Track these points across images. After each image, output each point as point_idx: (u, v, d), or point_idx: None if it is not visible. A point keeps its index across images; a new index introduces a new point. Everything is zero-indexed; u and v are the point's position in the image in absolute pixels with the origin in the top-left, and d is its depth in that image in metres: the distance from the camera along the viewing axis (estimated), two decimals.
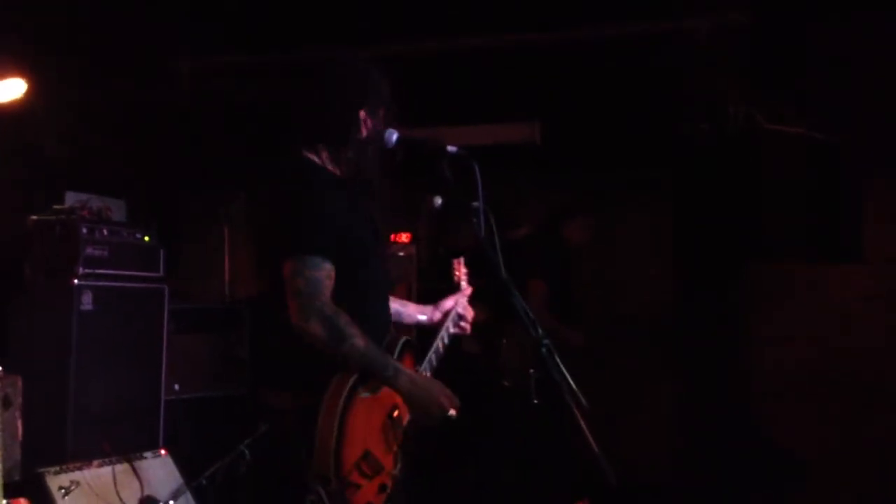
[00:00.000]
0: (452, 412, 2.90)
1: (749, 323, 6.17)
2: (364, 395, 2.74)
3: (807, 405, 5.93)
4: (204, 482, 4.52)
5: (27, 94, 5.46)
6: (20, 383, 4.37)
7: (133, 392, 5.12)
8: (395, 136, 2.98)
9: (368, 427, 2.75)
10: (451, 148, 2.90)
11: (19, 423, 4.36)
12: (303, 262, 2.69)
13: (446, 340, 3.27)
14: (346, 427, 2.65)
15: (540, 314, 4.49)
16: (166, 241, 5.56)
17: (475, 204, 4.69)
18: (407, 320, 3.38)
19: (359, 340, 2.71)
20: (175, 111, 6.46)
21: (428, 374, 3.08)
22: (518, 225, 6.10)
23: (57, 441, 4.72)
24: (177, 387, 5.42)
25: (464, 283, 3.46)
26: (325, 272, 2.71)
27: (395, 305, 3.33)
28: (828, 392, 5.90)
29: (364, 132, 2.93)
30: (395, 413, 2.86)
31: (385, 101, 2.99)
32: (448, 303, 3.39)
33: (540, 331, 4.02)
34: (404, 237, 6.50)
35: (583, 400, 4.19)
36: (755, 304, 6.16)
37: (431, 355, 3.14)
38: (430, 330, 3.31)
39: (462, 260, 3.50)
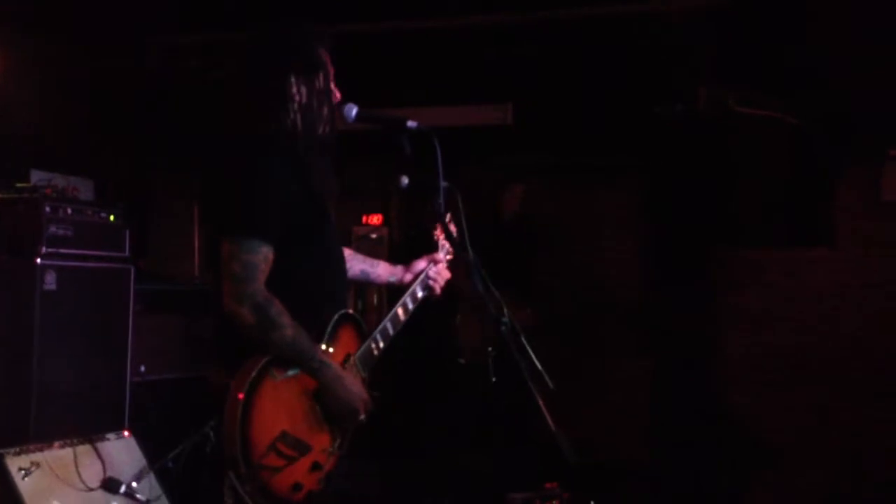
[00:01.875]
0: (362, 417, 2.84)
1: (720, 308, 6.16)
2: (278, 375, 2.66)
3: (776, 390, 5.94)
4: (169, 464, 4.48)
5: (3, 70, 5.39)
6: None
7: (97, 373, 5.03)
8: (354, 111, 2.91)
9: (283, 407, 2.67)
10: (411, 123, 2.84)
11: None
12: (239, 246, 2.62)
13: (410, 305, 3.19)
14: (253, 409, 2.57)
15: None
16: (135, 222, 5.49)
17: (444, 183, 4.63)
18: (376, 281, 3.31)
19: (288, 330, 2.64)
20: (145, 89, 6.39)
21: (381, 343, 3.00)
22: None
23: (19, 422, 4.64)
24: (143, 368, 5.35)
25: (445, 243, 3.36)
26: (261, 256, 2.63)
27: (365, 266, 3.26)
28: (798, 378, 5.90)
29: (300, 99, 2.82)
30: (321, 393, 2.78)
31: (321, 66, 2.88)
32: (420, 263, 3.31)
33: (506, 310, 3.98)
34: (375, 219, 6.46)
35: (548, 380, 4.16)
36: (726, 289, 6.14)
37: (387, 323, 3.06)
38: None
39: (449, 217, 3.41)
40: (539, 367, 4.15)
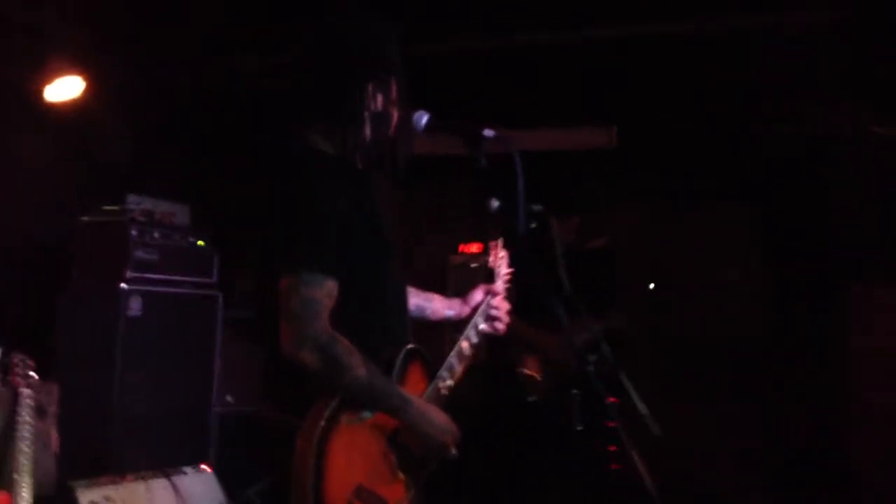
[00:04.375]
0: (454, 451, 2.54)
1: (847, 349, 5.62)
2: (350, 420, 2.35)
3: None
4: (254, 500, 4.29)
5: (89, 93, 5.33)
6: (56, 391, 4.18)
7: (181, 402, 4.91)
8: (424, 119, 2.59)
9: (359, 457, 2.37)
10: (487, 132, 2.53)
11: (54, 433, 4.16)
12: (299, 280, 2.30)
13: (474, 339, 2.84)
14: (327, 461, 2.27)
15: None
16: (229, 247, 5.35)
17: (535, 207, 4.30)
18: (433, 317, 2.96)
19: (359, 370, 2.32)
20: (240, 113, 6.28)
21: (448, 381, 2.67)
22: (597, 235, 5.69)
23: (99, 451, 4.54)
24: (229, 398, 5.18)
25: (502, 270, 3.01)
26: (324, 291, 2.32)
27: (419, 300, 2.93)
28: None
29: (375, 108, 2.52)
30: (399, 437, 2.48)
31: (396, 71, 2.58)
32: (478, 295, 2.94)
33: (605, 349, 3.63)
34: (474, 247, 6.17)
35: (653, 425, 3.76)
36: (855, 329, 5.61)
37: (452, 359, 2.72)
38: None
39: (500, 243, 3.03)
40: (643, 410, 3.79)
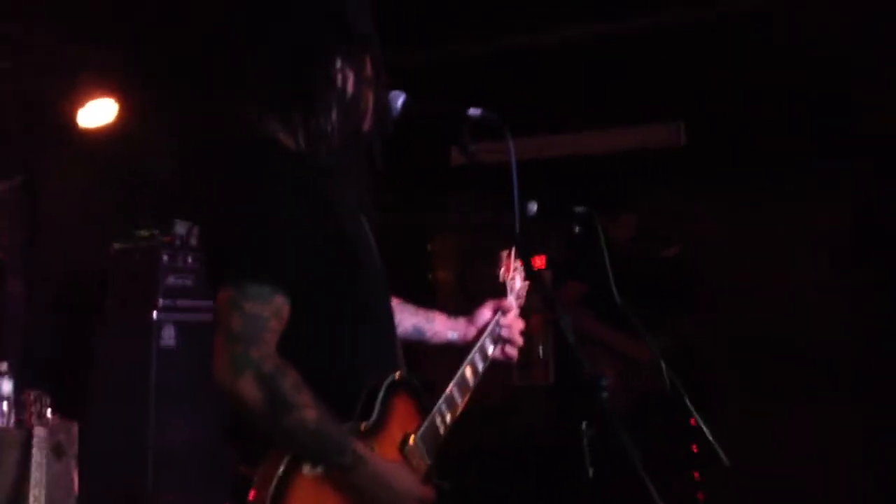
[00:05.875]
0: None
1: None
2: (313, 469, 1.93)
3: None
4: None
5: (128, 117, 5.14)
6: (76, 430, 3.94)
7: (220, 436, 4.62)
8: (401, 100, 2.17)
9: None
10: (473, 111, 2.11)
11: (75, 474, 3.93)
12: (241, 293, 1.90)
13: (480, 365, 2.41)
14: None
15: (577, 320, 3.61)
16: None
17: (578, 209, 3.86)
18: (433, 339, 2.52)
19: (308, 412, 1.89)
20: None
21: (448, 415, 2.23)
22: (670, 242, 5.22)
23: (134, 490, 4.33)
24: None
25: (515, 282, 2.58)
26: (272, 308, 1.91)
27: (418, 320, 2.50)
28: None
29: (344, 88, 2.09)
30: None
31: (370, 45, 2.14)
32: (486, 313, 2.51)
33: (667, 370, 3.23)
34: (538, 261, 5.76)
35: (723, 455, 3.29)
36: None
37: (452, 390, 2.28)
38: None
39: (512, 253, 2.59)
40: (710, 438, 3.30)
